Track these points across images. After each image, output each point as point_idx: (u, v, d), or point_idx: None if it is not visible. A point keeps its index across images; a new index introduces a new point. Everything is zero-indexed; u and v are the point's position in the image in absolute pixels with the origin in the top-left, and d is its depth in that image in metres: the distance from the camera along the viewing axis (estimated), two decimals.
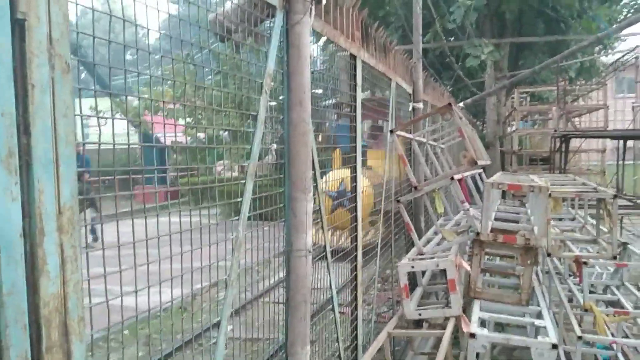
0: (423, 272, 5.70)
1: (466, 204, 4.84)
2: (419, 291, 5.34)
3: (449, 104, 4.69)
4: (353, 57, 4.00)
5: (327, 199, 3.93)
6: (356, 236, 4.08)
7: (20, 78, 1.28)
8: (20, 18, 1.25)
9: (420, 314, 4.55)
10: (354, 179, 4.08)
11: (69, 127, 1.41)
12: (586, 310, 5.22)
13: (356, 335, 4.08)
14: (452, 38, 16.45)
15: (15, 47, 1.27)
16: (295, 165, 2.69)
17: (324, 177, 3.55)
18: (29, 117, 1.29)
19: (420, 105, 6.64)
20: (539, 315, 4.77)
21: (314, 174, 3.16)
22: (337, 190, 4.19)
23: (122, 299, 1.73)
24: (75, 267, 1.43)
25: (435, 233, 6.38)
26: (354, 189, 4.11)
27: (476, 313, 4.32)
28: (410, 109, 6.60)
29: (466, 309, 4.78)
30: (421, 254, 5.05)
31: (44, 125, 1.33)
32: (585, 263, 5.14)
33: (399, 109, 5.96)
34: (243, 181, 2.33)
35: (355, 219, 4.09)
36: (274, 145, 2.82)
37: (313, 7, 2.82)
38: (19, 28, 1.26)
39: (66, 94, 1.40)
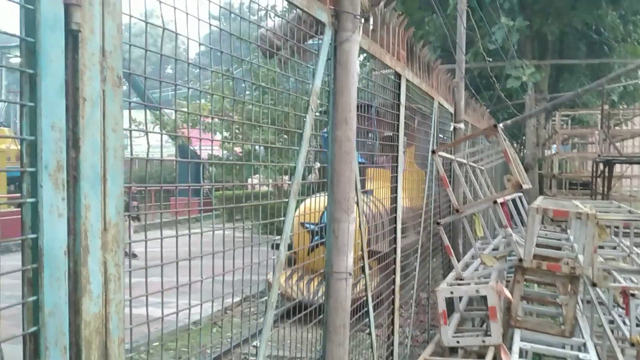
0: (460, 298, 5.54)
1: (509, 229, 4.68)
2: (455, 317, 5.17)
3: (495, 125, 4.57)
4: (398, 76, 3.93)
5: (305, 233, 3.43)
6: (395, 258, 3.98)
7: (72, 91, 1.24)
8: (75, 29, 1.22)
9: (458, 342, 4.40)
10: (394, 200, 3.99)
11: (117, 142, 1.37)
12: (632, 345, 4.98)
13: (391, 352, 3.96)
14: (491, 59, 16.28)
15: (68, 58, 1.23)
16: (339, 184, 2.62)
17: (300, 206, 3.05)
18: (78, 131, 1.25)
19: (462, 125, 6.52)
20: (582, 348, 4.56)
21: (357, 195, 3.09)
22: (318, 222, 3.19)
23: (147, 310, 1.67)
24: (118, 287, 1.38)
25: (473, 257, 6.21)
26: (394, 210, 4.01)
27: (517, 343, 4.16)
28: (451, 129, 6.48)
29: (504, 338, 4.61)
30: (460, 279, 4.90)
31: (93, 140, 1.29)
32: (633, 295, 4.91)
33: (441, 130, 5.86)
34: (286, 200, 2.27)
35: (395, 240, 3.99)
36: (317, 164, 2.76)
37: (361, 25, 2.77)
38: (72, 39, 1.23)
39: (116, 109, 1.36)
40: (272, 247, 2.42)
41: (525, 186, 4.41)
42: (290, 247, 2.41)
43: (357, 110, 3.47)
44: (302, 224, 3.30)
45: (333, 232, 2.64)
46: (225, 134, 15.35)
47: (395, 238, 3.99)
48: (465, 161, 6.31)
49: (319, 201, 2.74)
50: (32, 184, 1.15)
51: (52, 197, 1.16)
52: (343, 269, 2.63)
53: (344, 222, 2.62)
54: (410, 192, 4.70)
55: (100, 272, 1.33)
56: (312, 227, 3.06)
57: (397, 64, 3.78)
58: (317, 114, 2.49)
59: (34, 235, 1.13)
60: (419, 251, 4.82)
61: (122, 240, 1.39)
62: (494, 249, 6.39)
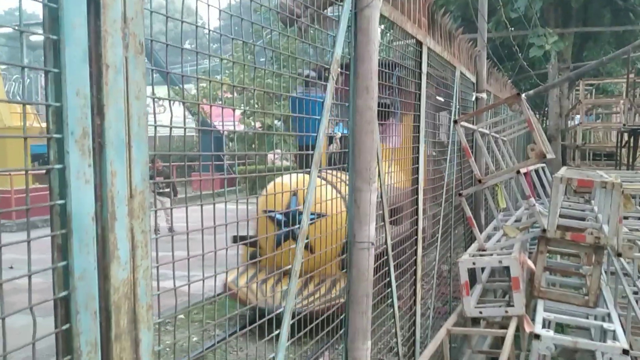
0: (482, 269, 5.53)
1: (532, 200, 4.63)
2: (478, 288, 5.17)
3: (518, 94, 4.49)
4: (419, 44, 3.87)
5: (269, 223, 3.14)
6: (416, 229, 3.97)
7: (95, 58, 1.24)
8: None
9: (481, 312, 4.40)
10: (415, 181, 3.95)
11: (141, 110, 1.37)
12: None
13: (414, 330, 3.98)
14: (513, 28, 15.94)
15: (90, 25, 1.23)
16: (360, 154, 2.60)
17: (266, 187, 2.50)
18: (102, 98, 1.25)
19: (484, 95, 6.42)
20: (607, 318, 4.54)
21: (378, 164, 3.07)
22: (284, 209, 2.76)
23: (174, 283, 1.68)
24: (145, 253, 1.40)
25: (496, 229, 6.17)
26: (415, 192, 3.96)
27: (540, 313, 4.15)
28: (473, 98, 6.39)
29: (527, 309, 4.60)
30: (482, 250, 4.88)
31: (116, 107, 1.29)
32: None
33: (463, 99, 5.78)
34: (308, 170, 2.26)
35: (416, 211, 3.97)
36: (338, 134, 2.74)
37: None
38: (94, 5, 1.22)
39: (139, 76, 1.36)
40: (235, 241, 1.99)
41: (549, 156, 4.34)
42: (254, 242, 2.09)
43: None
44: (267, 213, 2.86)
45: (355, 202, 2.63)
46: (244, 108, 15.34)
47: (417, 209, 3.98)
48: (487, 131, 6.23)
49: (289, 182, 2.13)
50: (58, 151, 1.15)
51: (78, 163, 1.16)
52: (365, 239, 2.63)
53: (365, 191, 2.61)
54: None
55: (128, 238, 1.34)
56: (277, 216, 2.21)
57: (418, 32, 3.72)
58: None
59: (62, 201, 1.14)
60: (440, 223, 4.79)
61: (148, 207, 1.40)
62: (516, 220, 6.34)
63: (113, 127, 1.28)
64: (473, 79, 6.28)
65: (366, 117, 2.59)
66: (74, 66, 1.15)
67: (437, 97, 4.74)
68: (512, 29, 15.81)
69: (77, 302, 1.17)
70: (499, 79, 8.76)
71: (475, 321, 5.30)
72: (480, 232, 6.17)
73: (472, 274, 5.58)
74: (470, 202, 6.59)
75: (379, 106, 2.72)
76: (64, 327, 1.16)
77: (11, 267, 7.38)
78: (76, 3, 1.15)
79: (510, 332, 3.89)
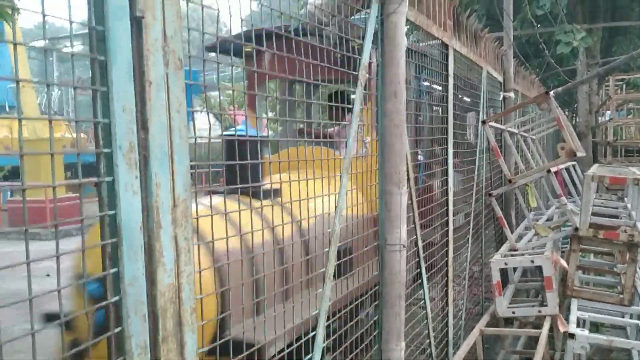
0: (514, 269, 5.50)
1: (563, 198, 4.61)
2: (510, 288, 5.16)
3: (546, 93, 4.47)
4: (445, 46, 3.89)
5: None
6: (447, 231, 3.98)
7: (138, 75, 1.31)
8: (139, 16, 1.28)
9: (513, 312, 4.39)
10: (445, 182, 3.96)
11: (182, 122, 1.44)
12: None
13: (446, 332, 3.99)
14: (539, 25, 15.74)
15: (134, 44, 1.30)
16: (390, 158, 2.64)
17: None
18: (146, 113, 1.32)
19: (512, 94, 6.39)
20: None
21: (407, 168, 3.11)
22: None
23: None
24: (188, 259, 1.46)
25: (527, 228, 6.13)
26: (444, 194, 3.97)
27: (574, 312, 4.12)
28: (501, 98, 6.37)
29: (560, 309, 4.57)
30: (514, 250, 4.86)
31: (159, 121, 1.36)
32: None
33: (491, 99, 5.76)
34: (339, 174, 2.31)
35: (446, 213, 3.99)
36: (368, 138, 2.78)
37: None
38: (136, 26, 1.30)
39: (179, 90, 1.43)
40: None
41: (579, 154, 4.32)
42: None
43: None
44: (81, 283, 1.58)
45: (385, 205, 2.67)
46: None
47: (447, 210, 3.99)
48: (516, 131, 6.20)
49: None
50: (107, 165, 1.22)
51: (126, 175, 1.23)
52: (397, 241, 2.66)
53: (395, 194, 2.64)
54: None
55: (172, 245, 1.40)
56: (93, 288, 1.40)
57: (443, 34, 3.74)
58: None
59: (112, 212, 1.21)
60: (471, 224, 4.79)
61: (190, 215, 1.46)
62: (547, 220, 6.28)
63: (157, 140, 1.35)
64: (500, 79, 6.26)
65: (395, 121, 2.63)
66: (120, 84, 1.22)
67: (464, 98, 4.75)
68: (539, 26, 15.63)
69: (128, 306, 1.24)
70: (527, 77, 8.69)
71: (508, 322, 5.28)
72: (511, 232, 6.14)
73: (504, 274, 5.56)
74: (501, 202, 6.55)
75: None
76: (117, 330, 1.23)
77: (48, 275, 7.58)
78: (121, 25, 1.22)
79: (544, 331, 3.88)
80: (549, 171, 4.54)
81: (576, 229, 4.40)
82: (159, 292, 1.36)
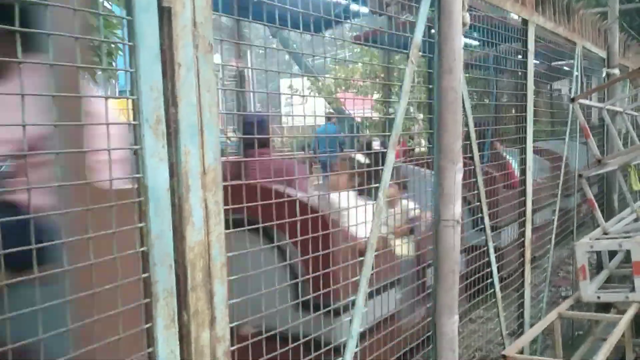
0: (612, 253, 5.24)
1: None
2: (603, 273, 4.93)
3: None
4: (524, 22, 3.80)
5: None
6: (524, 211, 3.92)
7: (169, 58, 1.51)
8: (167, 6, 1.47)
9: (599, 297, 4.22)
10: (522, 161, 3.89)
11: (212, 100, 1.62)
12: None
13: (522, 312, 3.95)
14: None
15: (164, 31, 1.50)
16: (444, 135, 2.69)
17: None
18: (176, 91, 1.52)
19: (616, 71, 5.99)
20: None
21: (471, 144, 3.13)
22: None
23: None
24: (218, 220, 1.65)
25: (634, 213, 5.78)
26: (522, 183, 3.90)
27: None
28: (603, 75, 6.01)
29: None
30: (606, 234, 4.64)
31: (189, 99, 1.55)
32: None
33: (587, 76, 5.48)
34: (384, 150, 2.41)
35: (523, 192, 3.92)
36: (421, 115, 2.84)
37: None
38: (167, 14, 1.49)
39: (209, 71, 1.61)
40: None
41: None
42: None
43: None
44: None
45: (439, 181, 2.72)
46: (376, 95, 15.47)
47: (524, 190, 3.92)
48: (620, 109, 5.83)
49: None
50: (137, 135, 1.44)
51: (153, 144, 1.44)
52: (450, 217, 2.71)
53: (449, 170, 2.69)
54: None
55: (202, 207, 1.60)
56: None
57: (522, 10, 3.65)
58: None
59: (139, 175, 1.43)
60: (557, 206, 4.64)
61: (220, 182, 1.66)
62: None
63: (186, 115, 1.55)
64: (603, 55, 5.90)
65: (449, 98, 2.67)
66: (146, 66, 1.42)
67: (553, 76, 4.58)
68: None
69: (154, 256, 1.45)
70: None
71: (605, 308, 5.06)
72: (612, 216, 5.83)
73: (600, 259, 5.32)
74: (601, 185, 6.22)
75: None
76: (144, 276, 1.45)
77: None
78: (147, 15, 1.42)
79: (626, 317, 3.71)
80: None
81: None
82: (188, 247, 1.57)
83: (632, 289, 4.16)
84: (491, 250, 3.40)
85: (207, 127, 1.61)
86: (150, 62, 1.44)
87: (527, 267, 3.96)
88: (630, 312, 3.80)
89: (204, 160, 1.61)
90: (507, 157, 4.17)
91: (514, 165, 3.89)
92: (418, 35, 2.55)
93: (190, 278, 1.58)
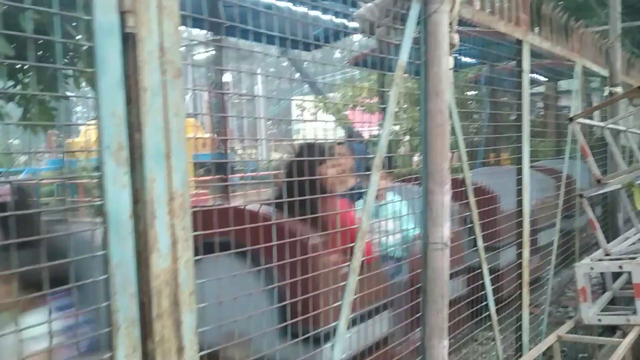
0: (616, 275, 5.15)
1: None
2: (606, 295, 4.83)
3: (639, 87, 4.13)
4: (519, 42, 3.77)
5: None
6: (521, 232, 3.86)
7: (134, 83, 1.50)
8: (129, 32, 1.46)
9: (600, 320, 4.13)
10: (519, 182, 3.84)
11: (180, 125, 1.61)
12: None
13: (520, 335, 3.87)
14: None
15: (129, 56, 1.49)
16: (432, 157, 2.65)
17: None
18: (141, 116, 1.51)
19: (619, 89, 5.94)
20: None
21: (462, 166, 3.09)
22: None
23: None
24: (186, 247, 1.63)
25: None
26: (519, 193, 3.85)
27: None
28: (605, 93, 5.95)
29: None
30: (608, 255, 4.56)
31: (155, 124, 1.54)
32: None
33: (587, 95, 5.42)
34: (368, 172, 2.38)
35: (520, 213, 3.86)
36: (407, 137, 2.81)
37: None
38: (131, 39, 1.48)
39: (177, 96, 1.60)
40: None
41: None
42: None
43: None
44: None
45: (427, 204, 2.69)
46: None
47: (521, 211, 3.86)
48: (622, 128, 5.77)
49: None
50: (99, 161, 1.42)
51: (114, 171, 1.42)
52: (439, 240, 2.67)
53: (437, 193, 2.65)
54: None
55: (169, 233, 1.58)
56: None
57: (515, 30, 3.62)
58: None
59: (100, 202, 1.41)
60: (557, 226, 4.57)
61: (188, 208, 1.63)
62: None
63: (151, 141, 1.53)
64: (605, 73, 5.85)
65: (437, 120, 2.64)
66: (108, 92, 1.41)
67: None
68: None
69: (115, 285, 1.43)
70: None
71: (613, 331, 4.96)
72: (617, 236, 5.74)
73: (603, 281, 5.23)
74: (605, 205, 6.14)
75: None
76: (104, 304, 1.42)
77: None
78: (110, 40, 1.42)
79: (626, 340, 3.62)
80: None
81: None
82: (153, 275, 1.54)
83: (634, 312, 4.07)
84: (485, 272, 3.35)
85: (175, 152, 1.59)
86: (113, 87, 1.43)
87: (525, 289, 3.89)
88: (631, 336, 3.71)
89: (171, 186, 1.59)
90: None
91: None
92: (403, 57, 2.54)
93: (156, 306, 1.55)
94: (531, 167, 4.02)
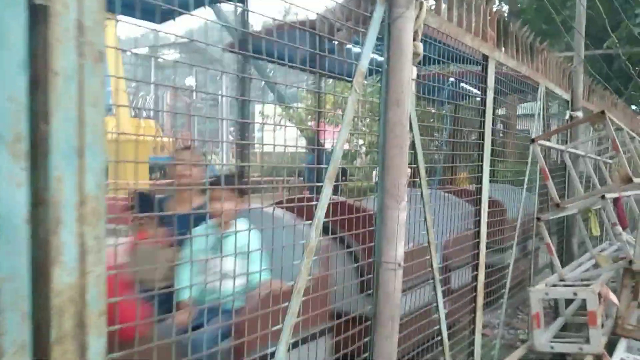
0: (569, 301, 5.09)
1: (618, 228, 4.19)
2: (559, 322, 4.76)
3: (603, 112, 4.08)
4: (485, 58, 3.66)
5: None
6: (477, 253, 3.73)
7: (42, 65, 1.27)
8: (41, 4, 1.24)
9: (552, 347, 4.03)
10: (477, 202, 3.72)
11: (98, 118, 1.39)
12: None
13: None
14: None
15: (39, 33, 1.26)
16: (389, 170, 2.49)
17: None
18: (49, 104, 1.28)
19: (580, 113, 5.94)
20: None
21: (421, 182, 2.93)
22: None
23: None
24: (98, 259, 1.40)
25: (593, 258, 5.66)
26: (479, 215, 3.72)
27: (619, 353, 3.72)
28: (567, 117, 5.94)
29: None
30: (562, 280, 4.49)
31: (66, 114, 1.31)
32: None
33: (549, 118, 5.39)
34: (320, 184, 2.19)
35: (478, 234, 3.74)
36: (364, 149, 2.64)
37: (424, 3, 2.61)
38: (42, 13, 1.26)
39: (96, 83, 1.37)
40: None
41: (636, 179, 3.90)
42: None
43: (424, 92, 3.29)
44: None
45: (382, 220, 2.51)
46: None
47: (479, 232, 3.74)
48: (582, 153, 5.75)
49: None
50: None
51: (8, 166, 1.19)
52: (392, 259, 2.50)
53: (393, 209, 2.48)
54: None
55: (77, 243, 1.35)
56: None
57: (481, 45, 3.51)
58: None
59: None
60: (514, 249, 4.47)
61: (103, 214, 1.41)
62: (617, 251, 5.77)
63: (61, 134, 1.30)
64: (567, 97, 5.84)
65: (396, 132, 2.48)
66: (7, 73, 1.18)
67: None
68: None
69: (2, 301, 1.19)
70: (608, 96, 8.06)
71: (563, 356, 4.88)
72: (571, 261, 5.70)
73: (556, 306, 5.16)
74: (561, 229, 6.12)
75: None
76: None
77: None
78: (12, 11, 1.19)
79: None
80: (603, 197, 4.15)
81: (630, 262, 3.99)
82: (54, 291, 1.31)
83: (587, 340, 3.99)
84: (439, 294, 3.19)
85: (90, 148, 1.37)
86: (12, 68, 1.20)
87: (479, 313, 3.75)
88: None
89: (82, 187, 1.36)
90: None
91: None
92: (364, 63, 2.37)
93: (56, 328, 1.32)
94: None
